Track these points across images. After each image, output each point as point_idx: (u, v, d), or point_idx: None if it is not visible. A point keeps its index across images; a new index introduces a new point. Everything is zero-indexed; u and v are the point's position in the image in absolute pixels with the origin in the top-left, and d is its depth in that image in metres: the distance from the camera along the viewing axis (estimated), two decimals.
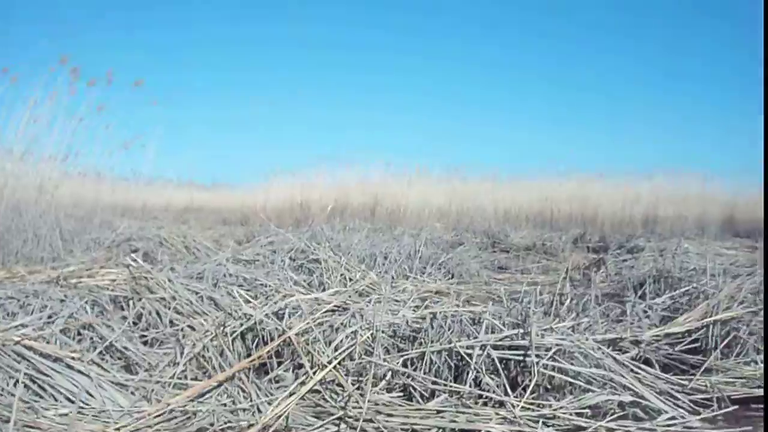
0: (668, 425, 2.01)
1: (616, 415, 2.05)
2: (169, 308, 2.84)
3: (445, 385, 2.21)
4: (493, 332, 2.40)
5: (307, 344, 2.36)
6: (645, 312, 3.16)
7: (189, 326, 2.74)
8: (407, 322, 2.55)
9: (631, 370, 2.33)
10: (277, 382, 2.33)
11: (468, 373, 2.22)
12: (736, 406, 2.20)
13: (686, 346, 2.79)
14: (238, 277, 3.47)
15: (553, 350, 2.24)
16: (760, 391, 2.40)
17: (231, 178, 19.15)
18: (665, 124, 23.48)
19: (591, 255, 6.80)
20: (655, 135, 22.58)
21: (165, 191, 14.73)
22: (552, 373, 2.21)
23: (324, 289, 3.41)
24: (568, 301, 3.23)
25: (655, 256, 5.25)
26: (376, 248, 4.91)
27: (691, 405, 2.21)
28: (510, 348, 2.28)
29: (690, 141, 22.23)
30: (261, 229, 6.75)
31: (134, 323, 2.77)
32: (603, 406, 2.12)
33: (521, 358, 2.25)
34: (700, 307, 2.97)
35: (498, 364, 2.22)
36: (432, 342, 2.36)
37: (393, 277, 4.25)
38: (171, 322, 2.78)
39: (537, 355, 2.21)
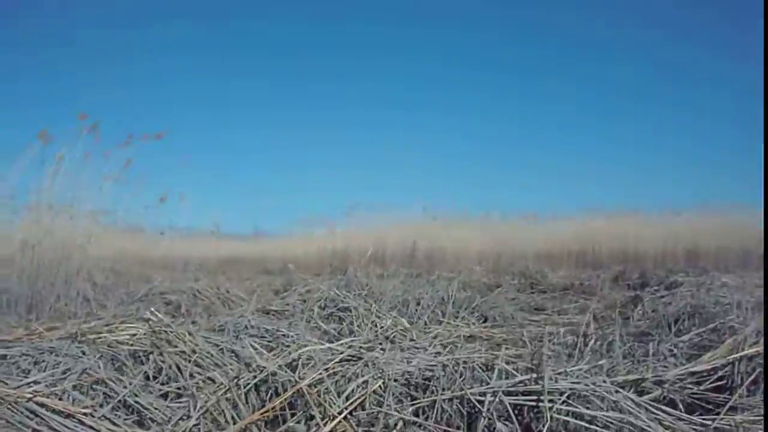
0: None
1: None
2: (189, 361, 2.84)
3: None
4: (506, 378, 2.36)
5: (319, 395, 2.34)
6: (671, 350, 3.09)
7: (209, 378, 2.74)
8: (419, 369, 2.52)
9: (651, 412, 2.27)
10: None
11: (480, 421, 2.19)
12: None
13: (712, 384, 2.71)
14: (259, 329, 3.47)
15: (566, 394, 2.20)
16: None
17: (272, 228, 19.31)
18: (705, 156, 23.13)
19: (630, 293, 6.70)
20: (695, 167, 22.25)
21: (206, 243, 14.86)
22: (566, 418, 2.16)
23: (354, 338, 3.41)
24: (592, 341, 3.18)
25: (692, 291, 5.15)
26: (410, 294, 4.88)
27: None
28: (523, 393, 2.25)
29: (729, 171, 21.91)
30: (299, 278, 6.76)
31: (154, 377, 2.78)
32: None
33: (535, 403, 2.21)
34: (726, 342, 2.90)
35: (510, 411, 2.19)
36: (444, 390, 2.33)
37: (426, 323, 4.23)
38: (191, 375, 2.78)
39: (550, 400, 2.17)
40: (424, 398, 2.34)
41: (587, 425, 2.15)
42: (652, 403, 2.36)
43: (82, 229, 5.44)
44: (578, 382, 2.27)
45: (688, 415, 2.37)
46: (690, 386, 2.70)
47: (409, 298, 4.73)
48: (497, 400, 2.21)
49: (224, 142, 25.05)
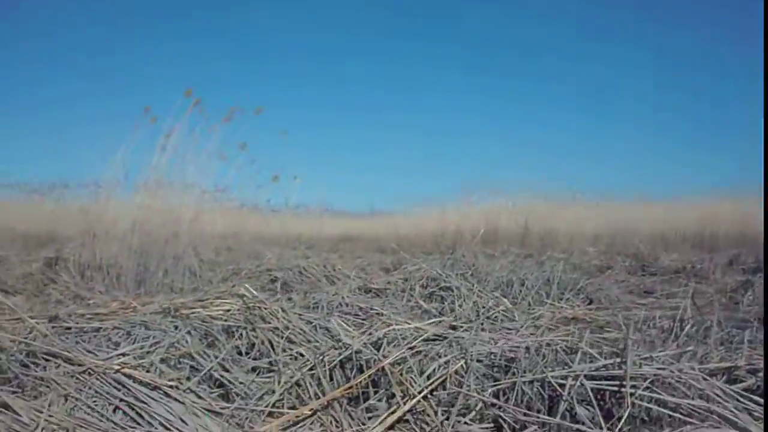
0: None
1: None
2: (282, 337, 2.90)
3: (537, 417, 2.16)
4: (590, 361, 2.33)
5: (401, 374, 2.36)
6: None
7: (299, 353, 2.79)
8: (503, 351, 2.51)
9: (739, 401, 2.19)
10: (370, 411, 2.34)
11: (561, 404, 2.16)
12: None
13: None
14: (353, 306, 3.50)
15: (650, 380, 2.15)
16: None
17: (388, 206, 19.49)
18: None
19: (743, 277, 6.45)
20: None
21: (319, 220, 15.06)
22: (648, 405, 2.11)
23: (455, 317, 3.42)
24: (688, 326, 3.09)
25: None
26: (515, 274, 4.84)
27: None
28: (606, 378, 2.21)
29: None
30: (408, 257, 6.78)
31: (246, 353, 2.85)
32: None
33: (617, 388, 2.17)
34: None
35: (592, 395, 2.15)
36: (525, 372, 2.31)
37: (529, 304, 4.19)
38: (283, 351, 2.84)
39: (633, 386, 2.13)
40: (504, 380, 2.33)
41: (671, 413, 2.09)
42: (743, 392, 2.28)
43: (191, 206, 5.57)
44: (664, 368, 2.21)
45: None
46: None
47: (514, 278, 4.68)
48: (578, 383, 2.18)
49: (344, 122, 25.43)
